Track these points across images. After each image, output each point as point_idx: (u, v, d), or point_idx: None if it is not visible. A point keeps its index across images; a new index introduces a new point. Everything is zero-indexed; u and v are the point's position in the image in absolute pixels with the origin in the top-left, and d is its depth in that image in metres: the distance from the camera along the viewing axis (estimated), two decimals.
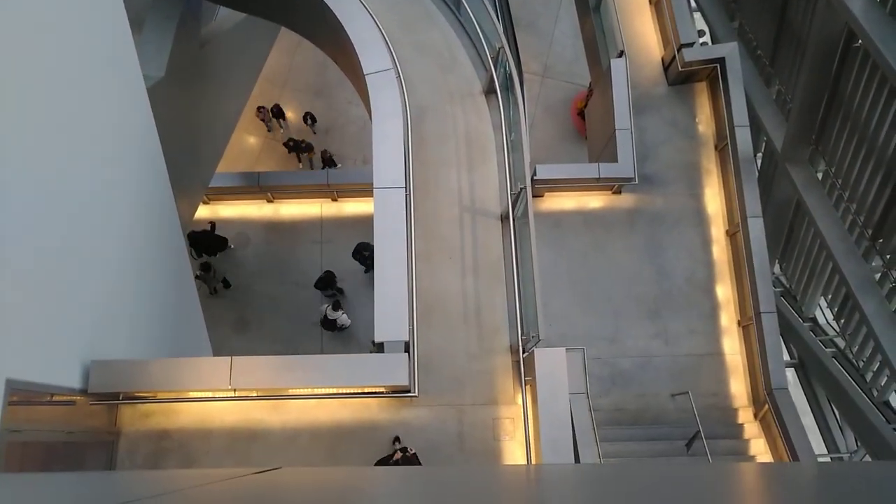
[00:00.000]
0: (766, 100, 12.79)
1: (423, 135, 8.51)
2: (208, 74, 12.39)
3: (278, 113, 17.02)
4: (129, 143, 7.42)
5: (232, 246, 14.22)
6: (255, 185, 14.37)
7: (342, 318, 13.04)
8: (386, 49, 8.15)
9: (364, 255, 13.18)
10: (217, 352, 10.57)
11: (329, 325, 13.20)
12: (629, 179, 10.26)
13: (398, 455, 6.45)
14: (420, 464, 6.52)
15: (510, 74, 8.38)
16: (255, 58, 15.59)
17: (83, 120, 6.19)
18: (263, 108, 16.96)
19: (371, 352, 13.04)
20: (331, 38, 9.12)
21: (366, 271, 13.97)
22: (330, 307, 12.85)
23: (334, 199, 14.80)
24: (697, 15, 14.83)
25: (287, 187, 14.74)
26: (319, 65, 17.76)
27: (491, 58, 8.68)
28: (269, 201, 14.80)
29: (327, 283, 13.68)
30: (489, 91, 8.82)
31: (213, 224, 13.79)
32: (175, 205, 8.75)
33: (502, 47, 8.39)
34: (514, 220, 7.81)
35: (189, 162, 12.10)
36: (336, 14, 8.23)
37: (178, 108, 11.07)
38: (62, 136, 5.75)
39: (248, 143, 18.00)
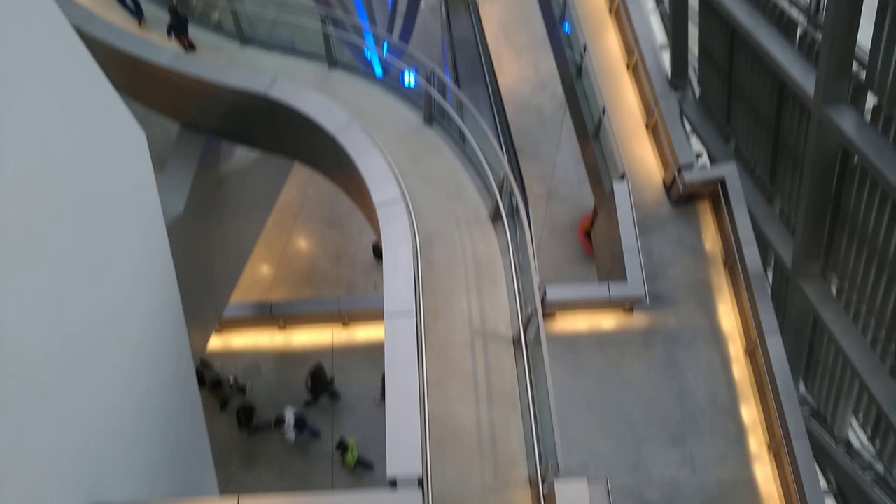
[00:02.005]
0: (770, 216, 12.97)
1: (433, 261, 8.61)
2: (225, 209, 12.85)
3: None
4: (145, 276, 7.53)
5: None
6: (266, 315, 14.44)
7: (288, 416, 12.84)
8: (395, 180, 8.45)
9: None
10: (224, 488, 10.12)
11: (300, 426, 12.95)
12: (640, 299, 10.20)
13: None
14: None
15: (515, 200, 8.60)
16: (270, 192, 16.23)
17: (99, 254, 6.32)
18: None
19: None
20: (342, 170, 9.51)
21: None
22: (286, 428, 12.70)
23: (345, 325, 14.79)
24: (694, 138, 15.44)
25: (299, 315, 14.80)
26: (331, 196, 18.44)
27: (496, 185, 8.95)
28: (281, 328, 14.80)
29: (247, 420, 13.61)
30: (495, 217, 9.02)
31: None
32: (187, 337, 8.74)
33: (506, 174, 8.68)
34: (526, 343, 7.68)
35: (203, 293, 12.25)
36: (348, 150, 8.64)
37: (194, 242, 11.38)
38: (76, 268, 5.84)
39: (261, 273, 18.30)
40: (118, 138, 7.03)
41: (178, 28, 11.08)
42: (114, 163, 6.86)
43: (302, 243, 19.03)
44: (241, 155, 13.78)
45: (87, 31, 9.94)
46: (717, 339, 10.49)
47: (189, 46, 11.30)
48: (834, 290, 11.40)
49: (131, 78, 10.70)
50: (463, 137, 9.84)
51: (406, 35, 20.32)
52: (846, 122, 8.90)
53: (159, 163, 9.31)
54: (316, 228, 19.26)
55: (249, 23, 11.46)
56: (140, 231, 7.49)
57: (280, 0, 12.53)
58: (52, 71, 5.39)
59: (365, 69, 11.30)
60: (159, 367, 7.75)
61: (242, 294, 16.61)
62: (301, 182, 19.24)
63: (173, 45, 11.16)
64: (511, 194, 8.75)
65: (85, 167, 6.08)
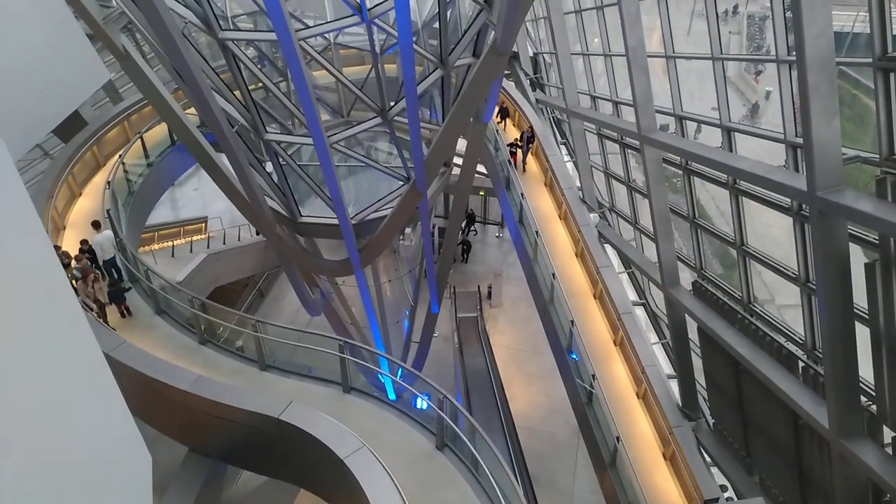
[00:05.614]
0: None
1: None
2: None
3: None
4: None
5: None
6: None
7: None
8: None
9: None
10: None
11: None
12: None
13: None
14: None
15: None
16: None
17: None
18: None
19: None
20: (350, 497, 9.05)
21: None
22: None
23: None
24: (715, 469, 14.82)
25: None
26: None
27: None
28: None
29: None
30: None
31: None
32: None
33: None
34: None
35: None
36: (357, 476, 8.35)
37: None
38: None
39: None
40: (123, 461, 6.88)
41: (115, 295, 12.78)
42: (113, 485, 6.61)
43: None
44: (246, 480, 13.30)
45: (115, 357, 10.43)
46: None
47: (126, 312, 12.92)
48: None
49: (148, 401, 10.92)
50: (476, 464, 9.57)
51: (420, 362, 21.19)
52: (869, 456, 8.61)
53: (160, 487, 8.97)
54: None
55: (270, 349, 12.10)
56: None
57: (301, 331, 13.31)
58: (77, 392, 5.56)
59: (379, 393, 11.55)
60: None
61: None
62: None
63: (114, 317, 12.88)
64: None
65: (83, 485, 5.87)
